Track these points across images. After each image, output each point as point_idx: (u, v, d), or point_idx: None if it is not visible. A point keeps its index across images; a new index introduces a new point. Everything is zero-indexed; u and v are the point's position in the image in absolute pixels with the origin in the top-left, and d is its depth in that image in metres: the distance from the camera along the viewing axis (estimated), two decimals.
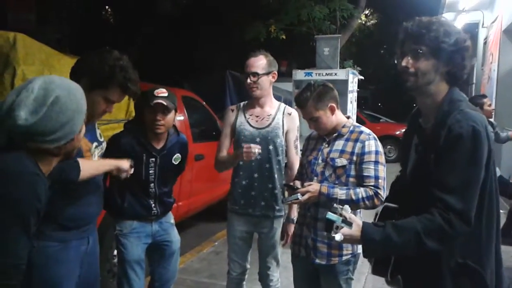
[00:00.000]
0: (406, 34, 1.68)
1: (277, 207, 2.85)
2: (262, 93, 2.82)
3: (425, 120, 1.76)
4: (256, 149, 2.58)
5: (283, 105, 2.94)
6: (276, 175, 2.83)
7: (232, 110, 2.94)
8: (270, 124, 2.81)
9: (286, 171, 2.91)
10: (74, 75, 2.08)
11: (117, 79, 2.07)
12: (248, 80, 2.77)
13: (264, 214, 2.84)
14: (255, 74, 2.76)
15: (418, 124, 1.79)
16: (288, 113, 2.87)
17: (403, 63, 1.67)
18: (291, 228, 2.79)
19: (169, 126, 2.70)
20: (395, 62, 1.74)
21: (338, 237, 1.61)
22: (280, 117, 2.84)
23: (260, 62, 2.79)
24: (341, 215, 1.63)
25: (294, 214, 2.82)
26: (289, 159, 2.90)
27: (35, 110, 1.40)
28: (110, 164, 2.27)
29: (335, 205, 1.67)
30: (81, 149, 2.09)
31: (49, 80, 1.49)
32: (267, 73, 2.80)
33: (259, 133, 2.80)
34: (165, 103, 2.57)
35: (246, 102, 2.98)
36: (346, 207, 1.66)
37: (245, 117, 2.87)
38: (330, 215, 1.63)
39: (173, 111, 2.66)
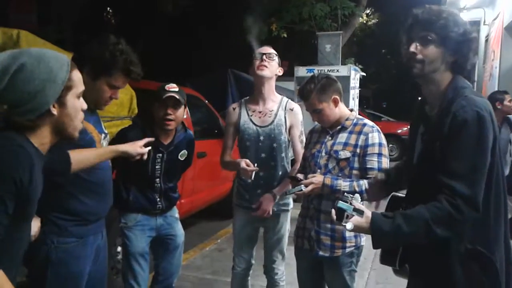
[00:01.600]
0: (416, 20, 1.68)
1: (281, 202, 2.85)
2: (269, 75, 2.78)
3: (431, 108, 1.76)
4: (253, 172, 2.58)
5: (285, 99, 2.92)
6: (280, 173, 2.83)
7: (234, 109, 2.93)
8: (273, 121, 2.81)
9: (294, 166, 2.89)
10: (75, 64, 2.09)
11: (119, 64, 2.06)
12: (262, 57, 2.75)
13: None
14: (271, 54, 2.78)
15: (424, 112, 1.80)
16: (290, 109, 2.85)
17: (411, 49, 1.67)
18: (268, 200, 2.72)
19: (178, 121, 2.71)
20: (404, 48, 1.72)
21: (349, 226, 1.62)
22: (282, 113, 2.83)
23: (273, 51, 2.82)
24: (351, 204, 1.63)
25: (279, 191, 2.76)
26: (296, 155, 2.88)
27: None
28: (115, 150, 2.13)
29: (345, 194, 1.68)
30: (94, 139, 2.10)
31: (22, 50, 1.42)
32: (278, 63, 2.83)
33: (262, 132, 2.80)
34: (177, 96, 2.59)
35: (247, 97, 2.97)
36: (357, 196, 1.68)
37: (248, 114, 2.86)
38: (341, 204, 1.64)
39: (183, 106, 2.67)
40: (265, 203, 2.73)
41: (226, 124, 2.98)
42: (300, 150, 2.85)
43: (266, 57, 2.76)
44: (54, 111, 1.41)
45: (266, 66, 2.75)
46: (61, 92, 1.41)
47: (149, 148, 2.27)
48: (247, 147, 2.81)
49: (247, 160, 2.63)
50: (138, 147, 2.19)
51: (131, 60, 2.09)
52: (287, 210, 2.90)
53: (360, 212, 1.62)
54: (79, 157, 1.92)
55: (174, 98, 2.59)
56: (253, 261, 3.01)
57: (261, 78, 2.77)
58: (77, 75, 1.49)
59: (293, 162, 2.93)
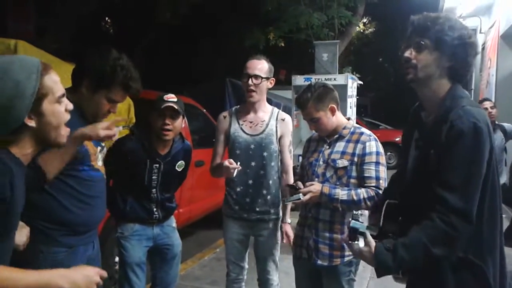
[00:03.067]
0: (413, 27, 1.69)
1: (272, 211, 2.86)
2: (259, 98, 2.81)
3: (427, 114, 1.75)
4: (235, 169, 2.59)
5: (276, 110, 2.94)
6: (270, 182, 2.83)
7: (225, 117, 2.93)
8: (264, 130, 2.81)
9: (281, 175, 2.90)
10: (76, 77, 2.09)
11: (119, 79, 2.06)
12: (250, 82, 2.75)
13: (259, 218, 2.85)
14: (258, 77, 2.75)
15: (419, 118, 1.79)
16: (282, 119, 2.87)
17: (406, 54, 1.68)
18: (288, 228, 2.84)
19: (176, 132, 2.70)
20: (400, 54, 1.73)
21: (362, 243, 1.63)
22: (273, 123, 2.84)
23: (262, 66, 2.79)
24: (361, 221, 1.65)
25: (288, 217, 2.87)
26: (284, 164, 2.89)
27: None
28: (76, 137, 1.84)
29: (354, 212, 1.68)
30: (89, 153, 2.09)
31: None
32: (267, 78, 2.81)
33: (253, 140, 2.80)
34: (175, 107, 2.59)
35: (238, 107, 2.98)
36: (365, 212, 1.68)
37: (238, 123, 2.86)
38: (354, 223, 1.65)
39: (181, 117, 2.67)
40: (289, 231, 2.83)
41: (216, 132, 2.98)
42: (289, 160, 2.89)
43: (253, 79, 2.74)
44: (31, 123, 1.37)
45: (254, 92, 2.76)
46: (34, 103, 1.35)
47: (117, 129, 1.99)
48: (237, 155, 2.80)
49: (230, 159, 2.64)
50: (99, 129, 1.89)
51: (131, 76, 2.09)
52: (277, 218, 2.89)
53: (374, 230, 1.63)
54: (48, 165, 1.78)
55: (172, 108, 2.59)
56: (246, 265, 3.01)
57: (251, 102, 2.80)
58: (51, 79, 1.41)
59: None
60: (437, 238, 1.52)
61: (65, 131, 1.48)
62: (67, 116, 1.48)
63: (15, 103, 1.31)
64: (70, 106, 1.49)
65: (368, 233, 1.63)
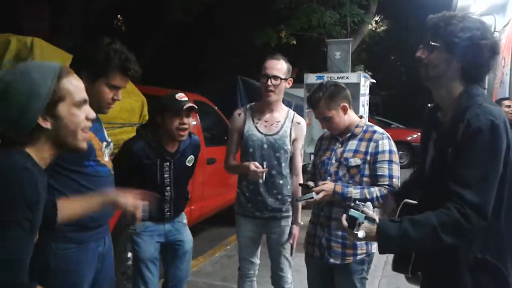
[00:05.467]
0: (427, 27, 1.71)
1: (283, 208, 2.86)
2: (277, 98, 2.82)
3: (443, 114, 1.76)
4: (263, 173, 2.61)
5: (291, 112, 2.93)
6: (282, 181, 2.83)
7: (239, 114, 2.93)
8: (278, 131, 2.81)
9: (292, 178, 2.91)
10: (75, 71, 2.08)
11: (115, 63, 2.02)
12: (269, 83, 2.73)
13: (271, 216, 2.86)
14: (277, 77, 2.73)
15: (436, 118, 1.80)
16: (297, 122, 2.87)
17: (418, 54, 1.71)
18: (297, 230, 2.86)
19: (190, 129, 2.72)
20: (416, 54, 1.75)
21: (360, 234, 1.62)
22: (288, 126, 2.84)
23: (281, 66, 2.77)
24: (363, 212, 1.63)
25: (300, 218, 2.88)
26: (294, 166, 2.90)
27: None
28: (106, 200, 1.89)
29: (357, 202, 1.67)
30: (94, 148, 2.07)
31: (9, 69, 1.40)
32: (286, 79, 2.80)
33: (267, 140, 2.80)
34: (195, 106, 2.62)
35: (253, 104, 2.97)
36: (368, 204, 1.67)
37: (253, 122, 2.86)
38: (353, 212, 1.64)
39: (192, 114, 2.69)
40: (296, 235, 2.88)
41: (230, 129, 2.98)
42: (300, 163, 2.91)
43: (273, 80, 2.73)
44: (47, 125, 1.38)
45: (273, 92, 2.76)
46: (50, 104, 1.37)
47: (147, 203, 2.00)
48: (250, 153, 2.81)
49: (255, 162, 2.65)
50: (130, 199, 1.90)
51: (126, 57, 2.05)
52: (289, 216, 2.90)
53: (372, 220, 1.62)
54: (66, 211, 1.77)
55: (191, 107, 2.61)
56: (258, 261, 3.04)
57: (268, 102, 2.80)
58: (70, 83, 1.43)
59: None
60: (449, 224, 1.52)
61: (83, 137, 1.48)
62: (87, 123, 1.49)
63: (30, 103, 1.34)
64: (92, 114, 1.51)
65: (367, 221, 1.62)
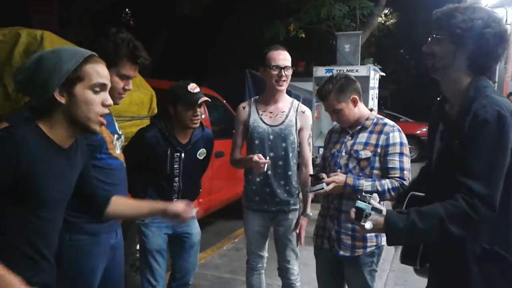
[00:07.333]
0: (432, 21, 1.71)
1: (291, 201, 2.86)
2: (286, 87, 2.84)
3: (451, 107, 1.75)
4: (266, 164, 2.60)
5: (296, 102, 2.94)
6: (290, 173, 2.83)
7: (244, 107, 2.94)
8: (283, 121, 2.82)
9: (301, 168, 2.90)
10: None
11: (123, 52, 2.03)
12: (282, 73, 2.75)
13: (279, 209, 2.86)
14: (289, 68, 2.78)
15: (443, 110, 1.79)
16: (302, 111, 2.87)
17: (423, 48, 1.73)
18: (305, 222, 2.85)
19: (201, 118, 2.75)
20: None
21: (368, 225, 1.62)
22: (293, 115, 2.84)
23: (288, 56, 2.82)
24: (369, 203, 1.63)
25: (309, 209, 2.86)
26: (303, 157, 2.90)
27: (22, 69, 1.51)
28: (153, 211, 2.01)
29: (363, 193, 1.67)
30: (105, 141, 2.09)
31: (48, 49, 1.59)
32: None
33: (272, 131, 2.80)
34: (208, 99, 2.65)
35: (257, 97, 2.98)
36: (375, 195, 1.67)
37: (258, 113, 2.87)
38: (360, 204, 1.64)
39: None
40: (303, 227, 2.86)
41: (235, 123, 2.98)
42: (308, 153, 2.89)
43: (285, 71, 2.76)
44: (62, 100, 1.49)
45: (285, 81, 2.79)
46: (67, 81, 1.48)
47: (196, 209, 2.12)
48: (256, 145, 2.81)
49: (259, 154, 2.64)
50: (187, 213, 1.96)
51: (134, 45, 2.06)
52: (296, 209, 2.90)
53: (379, 212, 1.62)
54: (121, 208, 1.93)
55: (206, 100, 2.64)
56: (266, 254, 3.05)
57: (279, 91, 2.81)
58: (93, 68, 1.54)
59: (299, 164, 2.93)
60: (456, 215, 1.52)
61: (97, 120, 1.57)
62: (101, 109, 1.57)
63: (51, 75, 1.47)
64: (110, 101, 1.59)
65: (374, 212, 1.62)
